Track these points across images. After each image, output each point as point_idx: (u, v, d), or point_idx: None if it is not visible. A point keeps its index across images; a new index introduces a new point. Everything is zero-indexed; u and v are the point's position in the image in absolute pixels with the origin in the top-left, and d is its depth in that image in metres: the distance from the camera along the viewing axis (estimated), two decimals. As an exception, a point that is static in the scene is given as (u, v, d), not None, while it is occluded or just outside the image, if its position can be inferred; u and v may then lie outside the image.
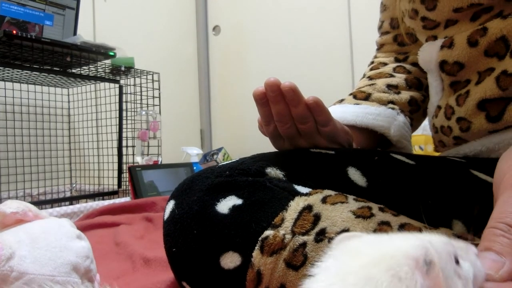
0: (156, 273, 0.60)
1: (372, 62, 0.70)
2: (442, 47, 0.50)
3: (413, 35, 0.60)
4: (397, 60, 0.67)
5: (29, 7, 1.21)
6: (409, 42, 0.64)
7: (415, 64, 0.65)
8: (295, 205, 0.36)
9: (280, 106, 0.42)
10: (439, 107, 0.54)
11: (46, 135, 1.45)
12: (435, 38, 0.52)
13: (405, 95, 0.63)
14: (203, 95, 2.15)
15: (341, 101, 0.64)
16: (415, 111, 0.63)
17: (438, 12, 0.49)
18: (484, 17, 0.46)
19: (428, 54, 0.53)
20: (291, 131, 0.45)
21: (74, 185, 1.54)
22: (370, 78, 0.66)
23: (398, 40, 0.67)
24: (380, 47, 0.71)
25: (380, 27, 0.71)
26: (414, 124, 0.65)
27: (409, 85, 0.64)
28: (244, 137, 2.02)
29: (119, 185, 1.45)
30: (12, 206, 0.42)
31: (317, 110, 0.43)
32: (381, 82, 0.63)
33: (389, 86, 0.63)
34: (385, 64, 0.67)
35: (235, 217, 0.36)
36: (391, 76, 0.64)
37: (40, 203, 1.23)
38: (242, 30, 2.03)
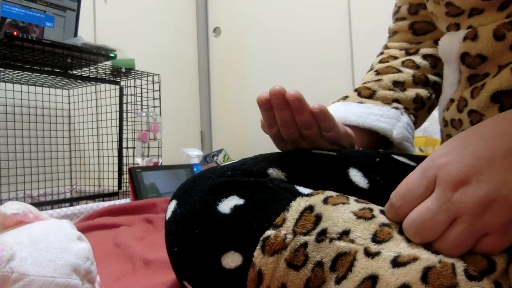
0: (156, 274, 0.60)
1: (382, 53, 0.68)
2: (465, 38, 0.48)
3: (431, 24, 0.59)
4: (408, 53, 0.65)
5: (30, 9, 1.21)
6: (428, 30, 0.63)
7: (426, 57, 0.63)
8: (297, 206, 0.36)
9: (285, 113, 0.42)
10: (451, 100, 0.52)
11: (47, 136, 1.45)
12: (457, 26, 0.50)
13: (411, 92, 0.62)
14: (203, 97, 2.15)
15: (345, 98, 0.63)
16: (420, 109, 0.63)
17: None
18: None
19: (449, 44, 0.51)
20: (295, 135, 0.45)
21: (74, 187, 1.54)
22: (377, 72, 0.64)
23: (414, 27, 0.65)
24: (393, 34, 0.68)
25: (395, 13, 0.68)
26: (418, 122, 0.65)
27: (416, 82, 0.62)
28: (245, 138, 2.02)
29: (119, 186, 1.45)
30: (12, 207, 0.42)
31: (322, 117, 0.43)
32: (387, 79, 0.62)
33: (396, 83, 0.62)
34: (395, 58, 0.65)
35: (236, 217, 0.36)
36: (399, 71, 0.63)
37: (40, 204, 1.23)
38: (242, 32, 2.03)
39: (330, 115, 0.44)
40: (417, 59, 0.64)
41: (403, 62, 0.64)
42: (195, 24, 2.16)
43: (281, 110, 0.42)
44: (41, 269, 0.38)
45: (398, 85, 0.61)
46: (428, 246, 0.32)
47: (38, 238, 0.40)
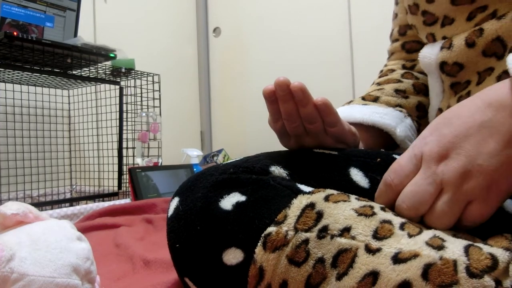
0: (156, 274, 0.60)
1: (381, 71, 0.72)
2: (442, 48, 0.51)
3: (420, 43, 0.62)
4: (404, 67, 0.69)
5: (30, 9, 1.21)
6: (418, 48, 0.66)
7: (421, 72, 0.67)
8: (298, 203, 0.36)
9: (289, 105, 0.43)
10: (440, 110, 0.55)
11: (47, 136, 1.45)
12: (432, 36, 0.54)
13: (413, 99, 0.64)
14: (203, 97, 2.15)
15: (350, 102, 0.65)
16: (423, 117, 0.64)
17: (438, 5, 0.51)
18: (479, 17, 0.47)
19: (428, 55, 0.54)
20: (299, 130, 0.45)
21: (74, 187, 1.54)
22: (378, 84, 0.68)
23: (406, 47, 0.70)
24: (390, 55, 0.74)
25: (391, 35, 0.73)
26: (422, 130, 0.66)
27: (417, 90, 0.65)
28: (245, 138, 2.02)
29: (119, 186, 1.45)
30: (12, 207, 0.42)
31: (325, 111, 0.44)
32: (389, 87, 0.65)
33: (397, 91, 0.64)
34: (393, 70, 0.69)
35: (238, 214, 0.36)
36: (399, 81, 0.66)
37: (40, 205, 1.23)
38: (242, 32, 2.03)
39: (333, 110, 0.45)
40: (415, 72, 0.68)
41: (402, 75, 0.68)
42: (195, 24, 2.16)
43: (285, 102, 0.43)
44: (41, 269, 0.38)
45: (400, 92, 0.65)
46: (428, 244, 0.31)
47: (38, 238, 0.40)
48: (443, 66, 0.51)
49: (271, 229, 0.35)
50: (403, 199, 0.35)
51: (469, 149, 0.33)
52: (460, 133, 0.34)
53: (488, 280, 0.28)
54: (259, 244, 0.35)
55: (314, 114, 0.43)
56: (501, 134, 0.32)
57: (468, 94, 0.48)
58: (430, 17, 0.53)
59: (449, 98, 0.53)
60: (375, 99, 0.64)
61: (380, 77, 0.71)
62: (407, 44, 0.70)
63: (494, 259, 0.29)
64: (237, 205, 0.37)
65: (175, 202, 0.41)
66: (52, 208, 1.18)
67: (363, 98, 0.65)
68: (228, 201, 0.37)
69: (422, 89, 0.65)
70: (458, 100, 0.50)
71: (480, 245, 0.31)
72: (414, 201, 0.34)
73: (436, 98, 0.56)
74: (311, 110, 0.43)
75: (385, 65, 0.73)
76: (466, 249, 0.30)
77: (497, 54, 0.46)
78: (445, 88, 0.54)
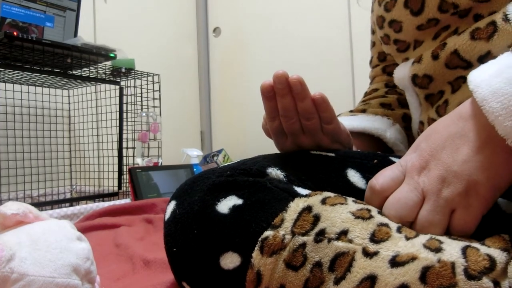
0: (156, 274, 0.60)
1: (366, 92, 0.75)
2: (413, 63, 0.54)
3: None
4: (387, 86, 0.72)
5: (30, 9, 1.21)
6: None
7: None
8: (295, 206, 0.36)
9: (287, 99, 0.43)
10: (421, 123, 0.57)
11: (47, 136, 1.45)
12: (408, 59, 0.56)
13: (399, 111, 0.67)
14: (203, 97, 2.15)
15: (338, 115, 0.67)
16: (409, 128, 0.65)
17: (405, 32, 0.54)
18: (443, 35, 0.50)
19: (402, 71, 0.57)
20: (296, 127, 0.46)
21: (74, 187, 1.54)
22: (364, 100, 0.71)
23: (386, 70, 0.73)
24: (372, 79, 0.77)
25: (370, 62, 0.77)
26: (411, 141, 0.67)
27: (401, 104, 0.68)
28: (245, 138, 2.02)
29: (119, 186, 1.46)
30: (12, 207, 0.42)
31: (322, 106, 0.44)
32: (375, 101, 0.68)
33: (383, 104, 0.67)
34: (377, 89, 0.72)
35: (235, 217, 0.36)
36: (384, 96, 0.69)
37: (40, 205, 1.23)
38: (242, 32, 2.03)
39: (330, 106, 0.45)
40: (398, 89, 0.70)
41: (386, 91, 0.71)
42: (195, 24, 2.16)
43: (283, 96, 0.43)
44: (41, 269, 0.38)
45: (386, 106, 0.67)
46: (425, 246, 0.32)
47: (38, 238, 0.40)
48: (414, 79, 0.53)
49: (268, 233, 0.35)
50: (388, 206, 0.36)
51: (446, 158, 0.35)
52: (437, 146, 0.36)
53: (486, 281, 0.28)
54: (256, 248, 0.35)
55: (311, 109, 0.44)
56: (471, 141, 0.34)
57: (446, 103, 0.50)
58: (402, 45, 0.56)
59: (427, 110, 0.54)
60: (363, 111, 0.66)
61: (365, 96, 0.73)
62: (388, 68, 0.72)
63: (491, 260, 0.29)
64: (234, 208, 0.37)
65: (172, 205, 0.41)
66: (52, 208, 1.18)
67: (351, 111, 0.67)
68: (225, 205, 0.37)
69: (406, 104, 0.67)
70: (436, 111, 0.52)
71: (478, 246, 0.31)
72: (398, 208, 0.35)
73: (416, 112, 0.58)
74: (309, 105, 0.43)
75: (369, 88, 0.76)
76: (464, 251, 0.30)
77: (461, 66, 0.48)
78: (421, 101, 0.56)
